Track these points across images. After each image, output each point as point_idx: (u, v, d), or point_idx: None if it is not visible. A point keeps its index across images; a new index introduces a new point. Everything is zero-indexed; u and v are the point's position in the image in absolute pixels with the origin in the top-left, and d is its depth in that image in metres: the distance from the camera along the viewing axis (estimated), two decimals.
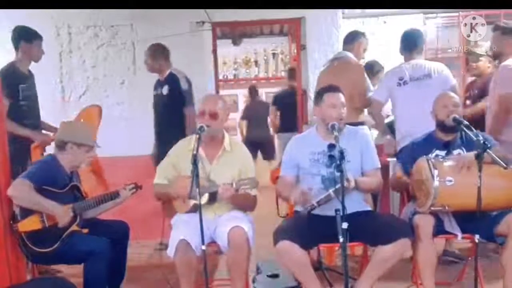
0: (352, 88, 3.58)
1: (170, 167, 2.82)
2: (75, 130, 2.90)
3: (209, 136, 2.70)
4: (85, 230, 2.81)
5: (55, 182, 2.76)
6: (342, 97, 2.71)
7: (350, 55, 3.81)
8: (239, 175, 2.71)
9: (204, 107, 2.72)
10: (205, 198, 2.60)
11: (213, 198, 2.68)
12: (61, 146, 2.83)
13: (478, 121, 3.39)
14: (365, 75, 3.85)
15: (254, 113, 7.18)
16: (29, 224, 2.68)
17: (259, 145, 6.96)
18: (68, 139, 2.82)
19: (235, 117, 7.76)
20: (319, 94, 2.77)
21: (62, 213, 2.70)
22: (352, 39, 3.88)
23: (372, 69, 4.26)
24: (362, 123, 3.63)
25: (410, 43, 3.61)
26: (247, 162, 2.84)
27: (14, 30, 3.60)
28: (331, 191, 2.40)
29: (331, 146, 2.59)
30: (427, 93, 3.19)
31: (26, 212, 2.68)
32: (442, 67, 3.54)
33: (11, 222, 2.71)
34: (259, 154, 6.94)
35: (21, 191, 2.63)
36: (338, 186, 2.32)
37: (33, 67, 4.55)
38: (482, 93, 3.88)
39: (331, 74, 3.74)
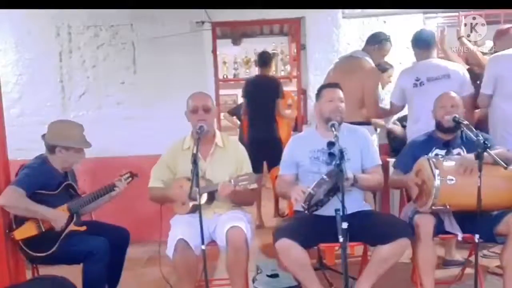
0: (362, 92, 3.59)
1: (165, 169, 2.82)
2: (62, 133, 2.82)
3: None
4: (83, 228, 2.79)
5: (48, 185, 2.74)
6: (340, 93, 2.73)
7: (367, 57, 3.73)
8: (235, 171, 2.71)
9: (196, 104, 2.71)
10: (203, 198, 2.59)
11: (211, 197, 2.68)
12: (51, 149, 2.80)
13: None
14: (379, 83, 3.77)
15: None
16: (26, 231, 2.67)
17: None
18: (57, 143, 2.78)
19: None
20: (319, 91, 2.81)
21: (56, 217, 2.69)
22: (376, 40, 3.81)
23: (380, 66, 4.14)
24: (368, 123, 3.63)
25: (425, 41, 3.55)
26: (241, 157, 2.83)
27: None
28: (324, 175, 2.38)
29: (331, 144, 2.59)
30: None
31: (21, 220, 2.66)
32: (462, 69, 3.48)
33: (7, 231, 2.69)
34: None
35: (13, 199, 2.61)
36: (330, 169, 2.32)
37: (33, 66, 4.57)
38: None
39: (342, 72, 3.68)
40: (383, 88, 4.17)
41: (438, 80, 3.40)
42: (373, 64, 3.77)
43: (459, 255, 3.42)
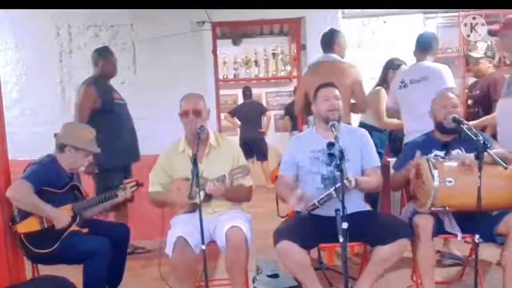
0: (350, 92, 3.56)
1: (162, 173, 2.82)
2: (75, 134, 2.87)
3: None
4: (85, 230, 2.80)
5: (55, 183, 2.75)
6: (335, 91, 2.73)
7: (338, 57, 3.67)
8: (231, 168, 2.71)
9: (187, 107, 2.72)
10: (201, 196, 2.59)
11: (209, 195, 2.68)
12: (60, 148, 2.83)
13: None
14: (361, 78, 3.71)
15: (248, 114, 7.22)
16: (28, 226, 2.67)
17: (252, 145, 7.01)
18: (67, 143, 2.81)
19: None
20: (315, 92, 2.80)
21: (59, 216, 2.70)
22: (330, 40, 3.72)
23: (392, 64, 4.12)
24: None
25: (421, 45, 3.56)
26: (236, 152, 2.84)
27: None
28: (332, 190, 2.39)
29: (331, 145, 2.60)
30: (423, 95, 3.20)
31: (25, 214, 2.68)
32: (440, 69, 3.44)
33: (10, 223, 2.71)
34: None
35: (20, 193, 2.63)
36: (338, 185, 2.31)
37: (33, 66, 4.58)
38: (484, 94, 3.91)
39: (319, 76, 3.49)
40: None
41: (419, 82, 3.44)
42: (348, 63, 3.70)
43: (456, 250, 3.44)
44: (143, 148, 4.20)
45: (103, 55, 3.88)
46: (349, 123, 3.60)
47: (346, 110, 3.55)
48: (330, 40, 3.72)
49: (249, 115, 7.26)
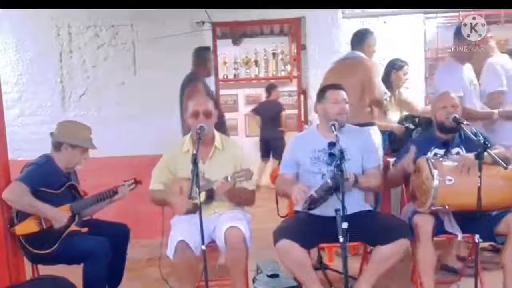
0: (363, 86, 3.59)
1: (165, 171, 2.82)
2: (71, 131, 2.86)
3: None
4: (84, 229, 2.80)
5: (52, 183, 2.74)
6: (344, 94, 2.73)
7: (362, 54, 3.73)
8: (234, 170, 2.71)
9: (197, 108, 2.71)
10: (202, 196, 2.59)
11: (210, 196, 2.68)
12: (57, 146, 2.82)
13: None
14: (377, 74, 3.75)
15: (268, 113, 7.18)
16: (27, 227, 2.67)
17: (271, 144, 7.01)
18: (63, 140, 2.80)
19: (236, 117, 7.78)
20: (322, 92, 2.79)
21: (57, 216, 2.69)
22: (360, 40, 3.80)
23: (395, 65, 4.12)
24: (372, 123, 3.63)
25: None
26: (240, 155, 2.83)
27: None
28: (328, 179, 2.39)
29: (332, 144, 2.60)
30: None
31: (23, 215, 2.67)
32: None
33: (8, 226, 2.70)
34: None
35: (17, 194, 2.62)
36: (335, 173, 2.31)
37: (33, 66, 4.58)
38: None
39: (340, 72, 3.63)
40: (399, 87, 4.14)
41: None
42: (368, 59, 3.75)
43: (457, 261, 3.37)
44: (142, 148, 4.21)
45: (205, 55, 4.08)
46: (373, 122, 3.61)
47: (365, 106, 3.61)
48: (360, 38, 3.81)
49: (270, 114, 7.20)
